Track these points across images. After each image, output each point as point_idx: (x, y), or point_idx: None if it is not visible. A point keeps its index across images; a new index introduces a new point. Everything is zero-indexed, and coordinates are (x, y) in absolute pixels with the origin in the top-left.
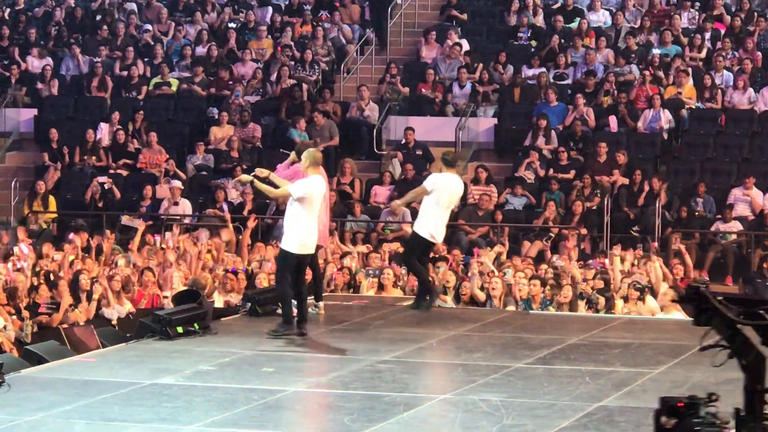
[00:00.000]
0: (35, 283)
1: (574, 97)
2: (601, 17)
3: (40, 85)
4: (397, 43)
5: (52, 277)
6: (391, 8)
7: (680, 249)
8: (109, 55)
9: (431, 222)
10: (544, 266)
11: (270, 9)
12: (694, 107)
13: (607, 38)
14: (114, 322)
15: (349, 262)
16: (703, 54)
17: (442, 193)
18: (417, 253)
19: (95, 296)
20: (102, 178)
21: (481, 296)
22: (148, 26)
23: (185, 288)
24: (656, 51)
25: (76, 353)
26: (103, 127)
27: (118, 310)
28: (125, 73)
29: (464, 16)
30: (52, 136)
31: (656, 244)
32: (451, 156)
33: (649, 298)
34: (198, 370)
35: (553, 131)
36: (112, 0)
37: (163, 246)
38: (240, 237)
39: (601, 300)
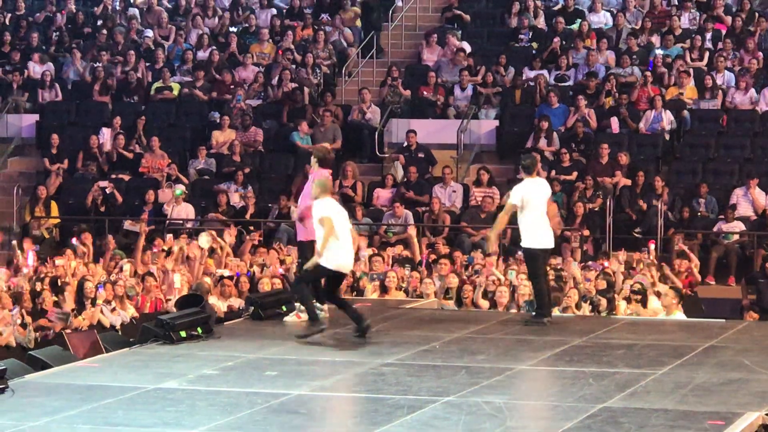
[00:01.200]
0: (38, 289)
1: (576, 99)
2: (602, 18)
3: (41, 91)
4: (398, 45)
5: (59, 282)
6: (391, 11)
7: (684, 249)
8: (110, 60)
9: (535, 232)
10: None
11: (271, 13)
12: (693, 107)
13: (608, 39)
14: (117, 327)
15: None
16: (705, 61)
17: (532, 200)
18: (541, 267)
19: (99, 302)
20: (103, 183)
21: (485, 305)
22: (149, 31)
23: (188, 292)
24: (658, 52)
25: (80, 358)
26: (105, 132)
27: (122, 316)
28: (126, 77)
29: (466, 19)
30: (54, 142)
31: (653, 245)
32: (528, 161)
33: (652, 299)
34: (201, 374)
35: (554, 133)
36: (113, 5)
37: (164, 248)
38: (245, 240)
39: (603, 301)
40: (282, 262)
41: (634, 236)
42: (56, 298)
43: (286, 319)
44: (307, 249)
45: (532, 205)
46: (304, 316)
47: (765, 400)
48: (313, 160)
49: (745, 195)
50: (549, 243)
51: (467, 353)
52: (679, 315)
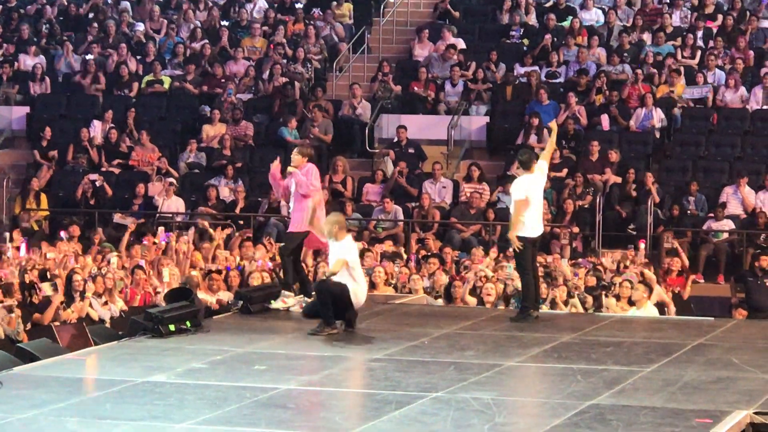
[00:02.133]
0: (27, 281)
1: (567, 96)
2: (593, 16)
3: (32, 83)
4: (389, 41)
5: (48, 275)
6: (383, 6)
7: (675, 246)
8: (101, 53)
9: (525, 222)
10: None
11: (263, 7)
12: (685, 95)
13: (600, 37)
14: (106, 321)
15: None
16: (696, 59)
17: (531, 194)
18: (528, 259)
19: (87, 294)
20: (94, 176)
21: (472, 302)
22: (140, 24)
23: (178, 286)
24: (649, 49)
25: (69, 351)
26: (96, 124)
27: (112, 310)
28: (118, 71)
29: (457, 15)
30: (45, 134)
31: (643, 244)
32: (525, 157)
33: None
34: (190, 367)
35: (545, 129)
36: None
37: (154, 241)
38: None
39: (589, 299)
40: (273, 258)
41: (624, 233)
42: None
43: (274, 305)
44: (294, 240)
45: (529, 199)
46: (290, 301)
47: (753, 398)
48: (299, 157)
49: (735, 193)
50: (536, 232)
51: (456, 349)
52: (649, 308)
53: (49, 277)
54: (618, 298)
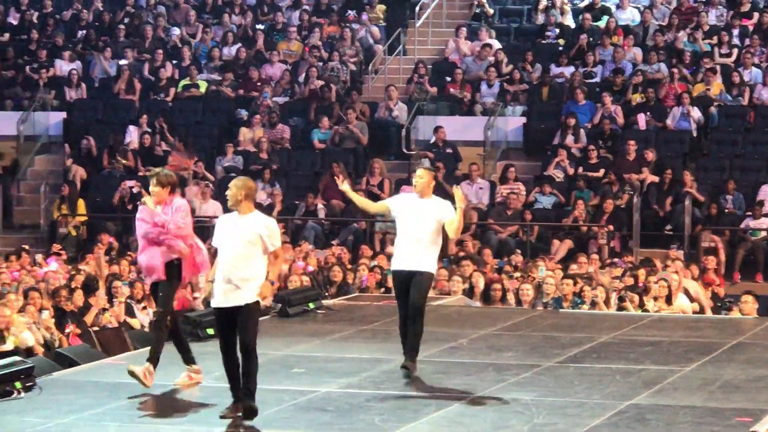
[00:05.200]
0: (73, 286)
1: (602, 96)
2: (629, 15)
3: (68, 89)
4: (425, 42)
5: (89, 282)
6: (418, 8)
7: (714, 246)
8: (137, 58)
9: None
10: (575, 266)
11: (298, 10)
12: (721, 97)
13: (635, 36)
14: (145, 325)
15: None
16: (733, 57)
17: (400, 217)
18: (398, 296)
19: (121, 299)
20: (131, 182)
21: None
22: (176, 29)
23: None
24: (685, 48)
25: (107, 356)
26: (132, 129)
27: (150, 315)
28: (158, 75)
29: (492, 15)
30: (82, 140)
31: (674, 250)
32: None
33: (681, 296)
34: None
35: (581, 130)
36: (140, 2)
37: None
38: None
39: (635, 297)
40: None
41: (662, 233)
42: (86, 298)
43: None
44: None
45: (399, 224)
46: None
47: None
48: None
49: None
50: (396, 267)
51: (494, 350)
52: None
53: (90, 284)
54: (655, 298)
